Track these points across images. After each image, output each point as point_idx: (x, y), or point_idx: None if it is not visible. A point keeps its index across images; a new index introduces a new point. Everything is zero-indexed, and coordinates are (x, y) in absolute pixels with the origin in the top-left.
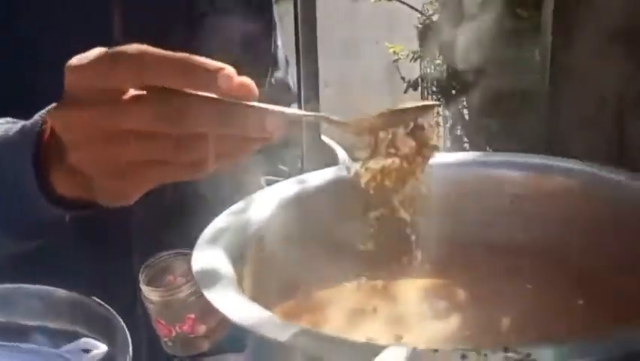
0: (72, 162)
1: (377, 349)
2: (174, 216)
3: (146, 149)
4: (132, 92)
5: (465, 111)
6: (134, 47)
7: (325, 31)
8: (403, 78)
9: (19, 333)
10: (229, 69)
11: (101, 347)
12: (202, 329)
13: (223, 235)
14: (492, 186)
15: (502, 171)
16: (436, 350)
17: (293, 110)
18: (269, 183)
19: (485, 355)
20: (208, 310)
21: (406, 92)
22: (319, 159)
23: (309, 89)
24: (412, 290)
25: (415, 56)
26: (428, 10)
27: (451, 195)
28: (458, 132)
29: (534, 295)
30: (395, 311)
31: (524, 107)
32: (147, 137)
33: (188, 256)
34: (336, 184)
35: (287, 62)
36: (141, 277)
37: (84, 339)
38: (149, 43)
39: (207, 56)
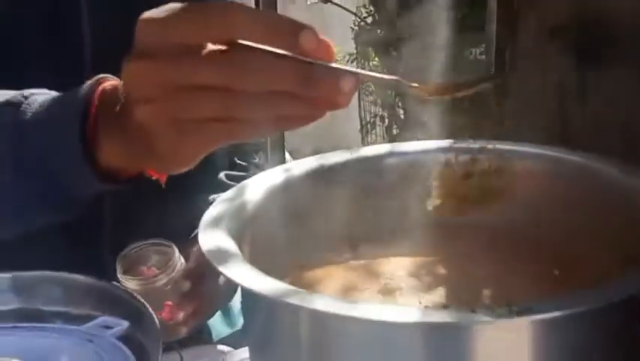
0: (139, 117)
1: (388, 309)
2: (147, 208)
3: (220, 105)
4: (210, 46)
5: (401, 111)
6: (218, 3)
7: None
8: None
9: (40, 318)
10: (312, 28)
11: (123, 324)
12: (180, 315)
13: (222, 219)
14: (455, 169)
15: (464, 156)
16: (446, 306)
17: (366, 72)
18: (229, 178)
19: (492, 308)
20: (185, 298)
21: None
22: (281, 154)
23: None
24: (397, 268)
25: (352, 57)
26: (362, 13)
27: (421, 180)
28: (394, 132)
29: (514, 269)
30: (384, 287)
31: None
32: (221, 93)
33: (162, 247)
34: (319, 172)
35: None
36: (118, 267)
37: (103, 317)
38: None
39: None
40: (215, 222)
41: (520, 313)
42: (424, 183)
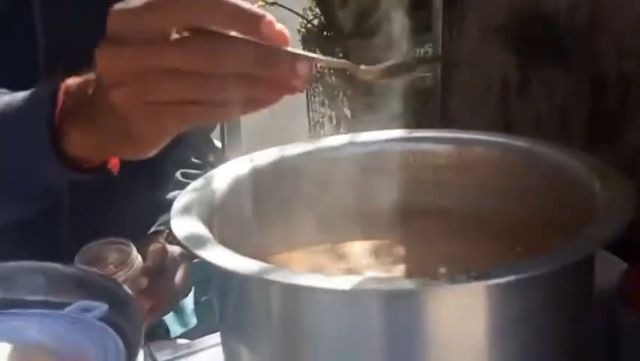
0: (113, 100)
1: (353, 280)
2: (104, 207)
3: (187, 87)
4: (176, 34)
5: (347, 111)
6: None
7: None
8: None
9: (21, 306)
10: (269, 16)
11: (102, 306)
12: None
13: (191, 207)
14: (416, 157)
15: (424, 145)
16: (410, 275)
17: (319, 56)
18: (185, 176)
19: (452, 276)
20: (143, 294)
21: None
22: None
23: None
24: (360, 250)
25: None
26: (309, 15)
27: (382, 168)
28: (342, 132)
29: (473, 248)
30: (349, 266)
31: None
32: (188, 76)
33: (120, 245)
34: (282, 161)
35: None
36: (76, 264)
37: (81, 301)
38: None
39: None
40: (186, 210)
41: (478, 278)
42: (383, 171)
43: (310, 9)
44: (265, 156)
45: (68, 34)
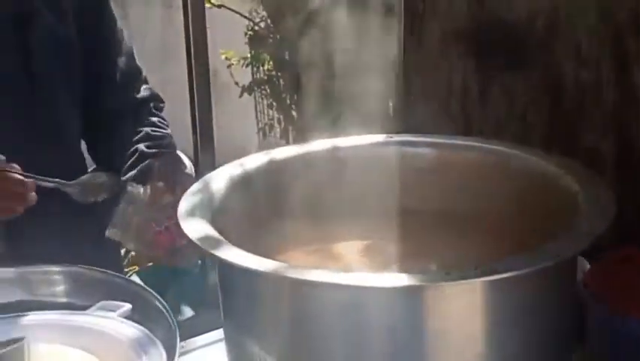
0: None
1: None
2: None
3: None
4: None
5: (294, 113)
6: None
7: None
8: (237, 83)
9: (45, 308)
10: None
11: (125, 306)
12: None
13: (195, 211)
14: (399, 161)
15: (406, 149)
16: (425, 271)
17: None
18: (149, 147)
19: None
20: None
21: (241, 96)
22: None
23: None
24: (353, 250)
25: (246, 62)
26: (255, 18)
27: (368, 171)
28: (290, 133)
29: (460, 244)
30: (343, 265)
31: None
32: None
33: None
34: (271, 166)
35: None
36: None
37: (103, 302)
38: None
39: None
40: (190, 212)
41: (487, 273)
42: (370, 174)
43: (256, 11)
44: (255, 161)
45: None
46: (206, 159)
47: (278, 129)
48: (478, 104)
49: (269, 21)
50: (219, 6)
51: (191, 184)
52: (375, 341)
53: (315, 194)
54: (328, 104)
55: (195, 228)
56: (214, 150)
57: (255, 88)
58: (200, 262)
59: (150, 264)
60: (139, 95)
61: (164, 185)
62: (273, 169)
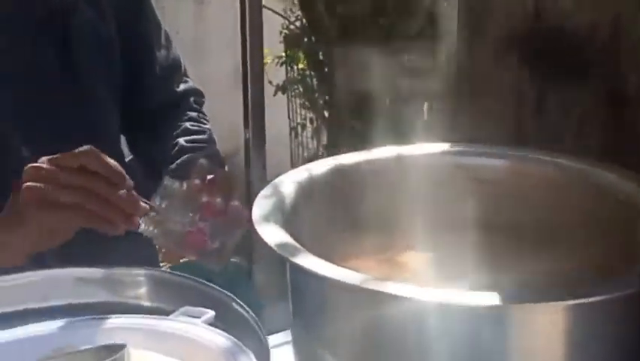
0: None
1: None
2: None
3: (71, 194)
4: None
5: (326, 113)
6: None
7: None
8: (270, 82)
9: (126, 312)
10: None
11: (209, 312)
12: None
13: (269, 216)
14: (462, 172)
15: (470, 159)
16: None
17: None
18: (188, 142)
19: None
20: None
21: (275, 95)
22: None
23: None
24: (419, 261)
25: (280, 61)
26: (291, 17)
27: (435, 180)
28: (323, 134)
29: (527, 259)
30: (413, 277)
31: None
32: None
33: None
34: (338, 172)
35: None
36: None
37: (186, 307)
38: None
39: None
40: (265, 218)
41: (575, 296)
42: (436, 183)
43: (291, 10)
44: (322, 167)
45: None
46: (258, 156)
47: (310, 129)
48: (533, 114)
49: (304, 20)
50: None
51: (229, 184)
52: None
53: (382, 202)
54: (367, 110)
55: (271, 233)
56: (265, 147)
57: (288, 87)
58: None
59: (183, 260)
60: (179, 89)
61: (201, 183)
62: (339, 175)
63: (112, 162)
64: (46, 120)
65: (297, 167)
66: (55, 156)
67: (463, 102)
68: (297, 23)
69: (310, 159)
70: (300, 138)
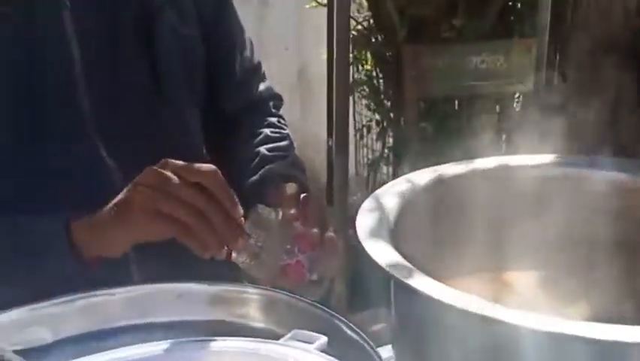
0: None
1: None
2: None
3: (179, 207)
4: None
5: (392, 115)
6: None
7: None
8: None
9: (235, 332)
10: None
11: (321, 338)
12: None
13: (375, 231)
14: (571, 184)
15: (583, 171)
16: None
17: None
18: (270, 150)
19: None
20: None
21: None
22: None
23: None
24: (528, 281)
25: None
26: (358, 17)
27: (543, 194)
28: (389, 136)
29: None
30: (522, 299)
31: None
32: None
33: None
34: (440, 184)
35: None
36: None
37: (296, 330)
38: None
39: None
40: (372, 234)
41: None
42: (545, 197)
43: (358, 11)
44: (423, 177)
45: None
46: (341, 166)
47: (375, 131)
48: (633, 118)
49: (371, 21)
50: (325, 5)
51: (322, 214)
52: None
53: (487, 215)
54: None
55: (380, 251)
56: (348, 157)
57: (354, 88)
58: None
59: None
60: (259, 93)
61: (296, 212)
62: (442, 187)
63: (229, 189)
64: (132, 126)
65: (361, 170)
66: (177, 163)
67: (552, 105)
68: (365, 24)
69: (375, 162)
70: (365, 139)
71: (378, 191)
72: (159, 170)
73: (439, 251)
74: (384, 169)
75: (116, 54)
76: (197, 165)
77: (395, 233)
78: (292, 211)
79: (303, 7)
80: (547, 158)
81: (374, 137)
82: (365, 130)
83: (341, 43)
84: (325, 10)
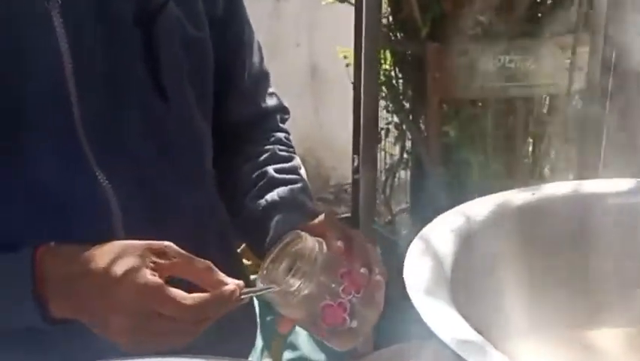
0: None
1: None
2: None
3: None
4: None
5: (410, 117)
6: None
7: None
8: (353, 83)
9: None
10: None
11: None
12: (346, 312)
13: (430, 287)
14: None
15: None
16: None
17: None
18: (277, 172)
19: None
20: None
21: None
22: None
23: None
24: (614, 342)
25: None
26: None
27: (621, 226)
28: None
29: None
30: None
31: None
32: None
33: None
34: (501, 215)
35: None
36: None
37: None
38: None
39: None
40: (426, 291)
41: None
42: (628, 229)
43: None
44: (481, 208)
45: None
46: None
47: (394, 134)
48: None
49: (390, 18)
50: (342, 1)
51: (368, 252)
52: None
53: (562, 253)
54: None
55: (443, 320)
56: (375, 176)
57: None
58: None
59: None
60: (266, 103)
61: (343, 246)
62: (505, 220)
63: (222, 293)
64: (137, 140)
65: (378, 174)
66: (176, 252)
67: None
68: (384, 20)
69: (393, 167)
70: (383, 143)
71: (426, 229)
72: (149, 283)
73: (508, 303)
74: (403, 174)
75: (118, 53)
76: (195, 260)
77: (454, 285)
78: (339, 244)
79: (318, 3)
80: (628, 183)
81: (392, 140)
82: (384, 133)
83: (369, 44)
84: (341, 6)
